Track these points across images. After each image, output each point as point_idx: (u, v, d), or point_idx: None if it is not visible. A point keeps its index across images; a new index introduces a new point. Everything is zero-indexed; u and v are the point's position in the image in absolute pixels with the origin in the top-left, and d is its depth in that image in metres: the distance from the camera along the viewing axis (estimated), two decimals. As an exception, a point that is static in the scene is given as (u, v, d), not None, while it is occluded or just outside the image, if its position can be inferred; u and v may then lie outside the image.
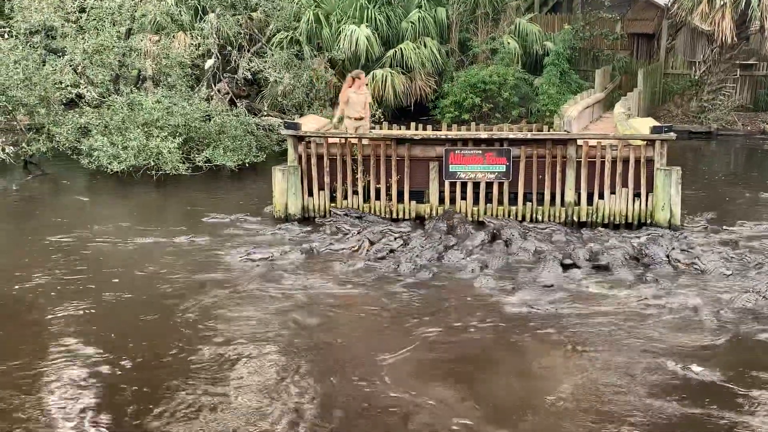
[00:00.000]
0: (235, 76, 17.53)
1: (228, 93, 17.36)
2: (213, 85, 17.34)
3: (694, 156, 18.15)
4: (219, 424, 5.67)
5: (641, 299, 8.16)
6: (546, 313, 7.77)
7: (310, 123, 12.52)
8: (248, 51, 17.66)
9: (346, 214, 11.02)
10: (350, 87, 11.84)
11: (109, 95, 15.36)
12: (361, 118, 11.82)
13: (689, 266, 9.11)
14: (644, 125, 11.56)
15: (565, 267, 9.11)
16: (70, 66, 15.67)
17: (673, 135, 10.66)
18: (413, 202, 11.13)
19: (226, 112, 15.56)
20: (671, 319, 7.62)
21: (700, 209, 11.81)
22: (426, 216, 11.03)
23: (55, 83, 14.98)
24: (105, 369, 6.59)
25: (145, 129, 14.16)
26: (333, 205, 11.20)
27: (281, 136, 14.23)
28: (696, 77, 22.39)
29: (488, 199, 10.97)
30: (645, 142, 10.74)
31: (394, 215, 11.14)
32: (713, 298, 8.16)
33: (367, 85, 12.70)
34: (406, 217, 11.10)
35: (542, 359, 6.85)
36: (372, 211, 11.15)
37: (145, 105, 14.56)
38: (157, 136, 13.90)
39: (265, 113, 17.27)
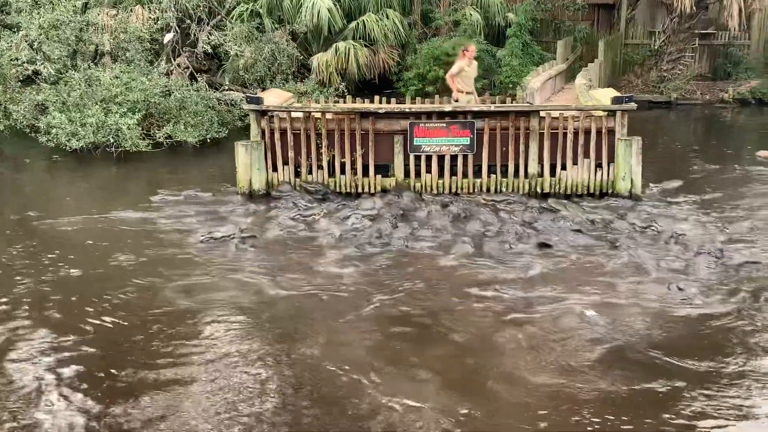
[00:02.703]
0: (195, 50, 17.25)
1: (188, 67, 17.09)
2: (172, 60, 17.06)
3: (654, 126, 18.36)
4: (179, 412, 5.66)
5: (598, 266, 8.32)
6: (502, 284, 7.88)
7: (272, 97, 12.40)
8: (208, 24, 17.38)
9: (308, 191, 10.95)
10: (463, 60, 11.87)
11: (67, 71, 15.04)
12: (470, 92, 12.06)
13: (652, 233, 9.30)
14: (605, 96, 11.65)
15: (525, 238, 9.25)
16: (26, 42, 15.29)
17: (633, 105, 10.78)
18: (378, 176, 11.12)
19: (187, 87, 15.30)
20: (627, 288, 7.78)
21: (661, 179, 11.98)
22: (391, 189, 11.04)
23: (11, 60, 14.63)
24: (60, 350, 6.49)
25: (104, 105, 13.90)
26: (300, 180, 11.13)
27: (243, 110, 14.07)
28: (656, 47, 22.59)
29: (453, 172, 11.00)
30: (606, 112, 10.84)
31: (359, 189, 11.12)
32: (676, 269, 8.29)
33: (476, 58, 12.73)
34: (372, 191, 11.08)
35: (503, 332, 6.93)
36: (336, 186, 11.12)
37: (103, 81, 14.29)
38: (116, 113, 13.66)
39: (227, 88, 17.06)
